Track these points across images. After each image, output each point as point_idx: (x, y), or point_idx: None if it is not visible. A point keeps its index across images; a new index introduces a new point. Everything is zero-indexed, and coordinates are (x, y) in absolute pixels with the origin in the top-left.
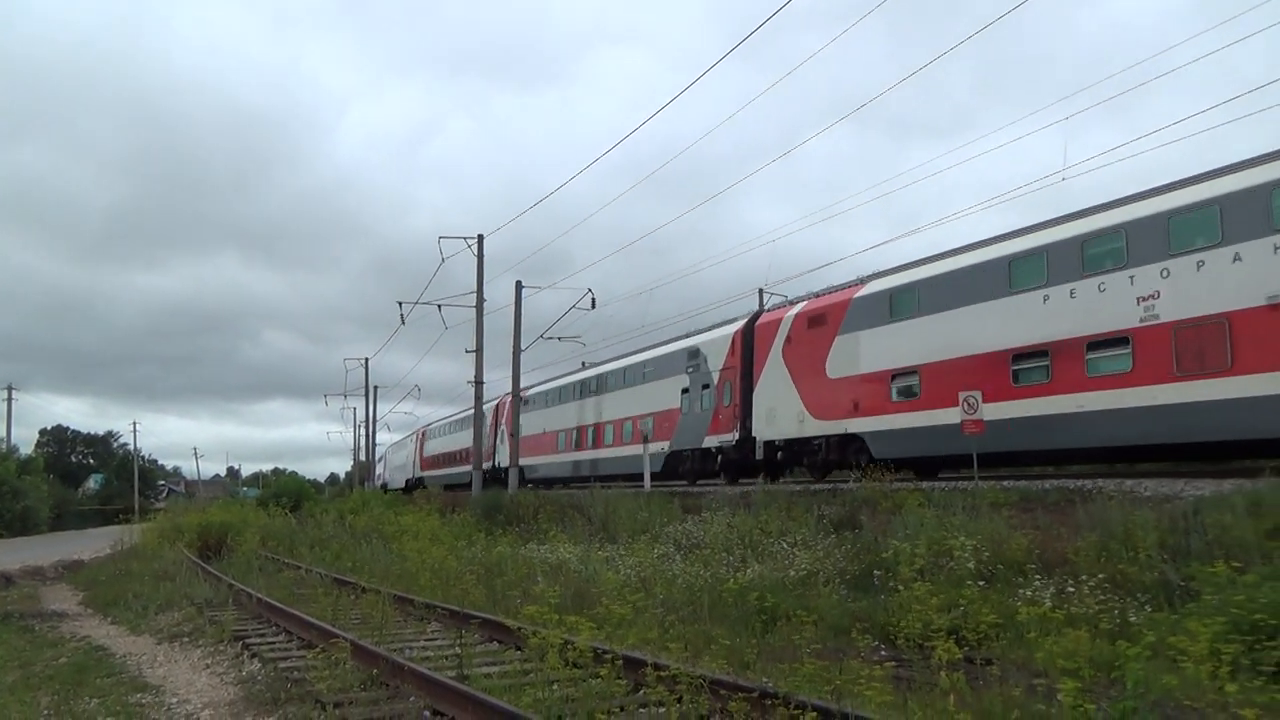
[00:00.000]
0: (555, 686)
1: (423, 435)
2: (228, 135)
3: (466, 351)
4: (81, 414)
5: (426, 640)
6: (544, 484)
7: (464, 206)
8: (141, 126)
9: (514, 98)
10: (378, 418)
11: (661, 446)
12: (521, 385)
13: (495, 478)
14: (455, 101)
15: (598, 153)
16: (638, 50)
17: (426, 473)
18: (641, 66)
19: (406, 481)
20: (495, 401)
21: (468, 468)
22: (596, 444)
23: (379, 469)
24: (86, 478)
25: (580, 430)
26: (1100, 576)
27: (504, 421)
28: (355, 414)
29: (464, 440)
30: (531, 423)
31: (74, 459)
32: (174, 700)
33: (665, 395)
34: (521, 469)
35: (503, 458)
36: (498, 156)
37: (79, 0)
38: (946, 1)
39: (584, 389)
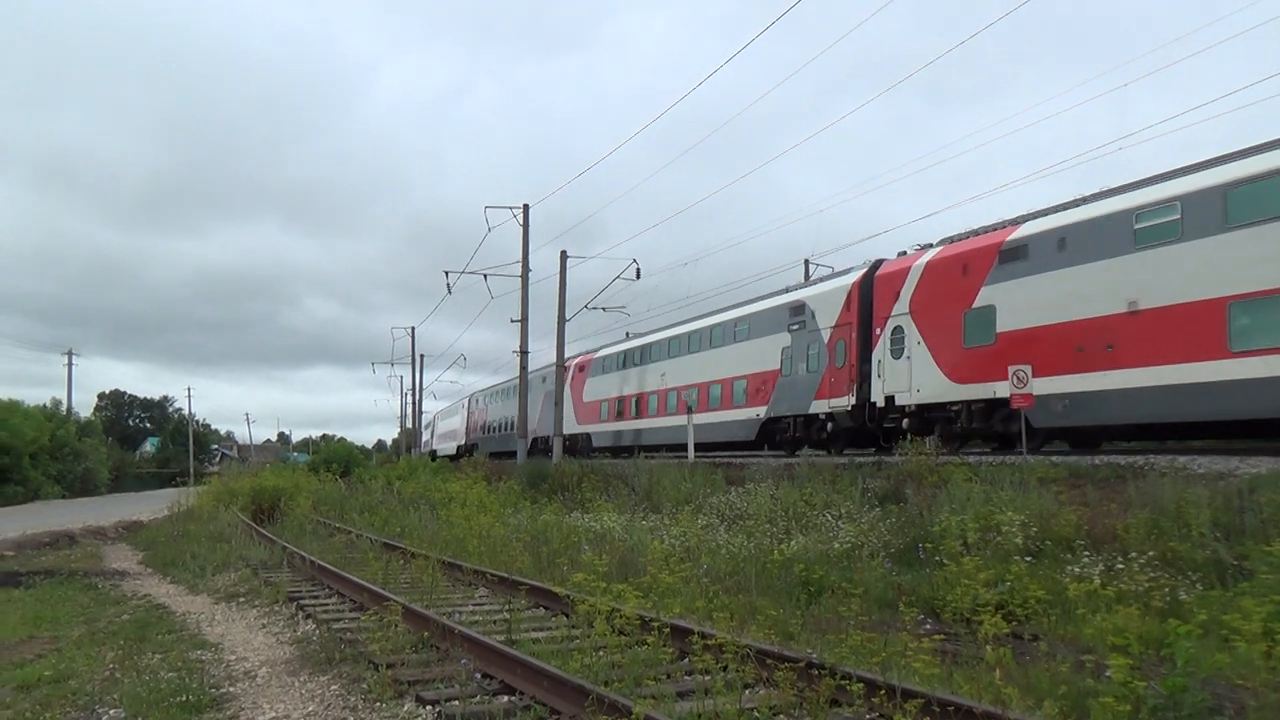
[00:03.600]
0: (602, 653)
1: (581, 368)
2: (258, 100)
3: (511, 321)
4: (134, 378)
5: (475, 605)
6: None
7: (495, 172)
8: (172, 93)
9: (538, 63)
10: (423, 386)
11: None
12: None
13: (863, 431)
14: (480, 68)
15: (624, 115)
16: (659, 12)
17: (593, 427)
18: (663, 28)
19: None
20: (855, 277)
21: (735, 414)
22: None
23: (447, 425)
24: (143, 441)
25: None
26: (1150, 554)
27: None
28: (401, 382)
29: (733, 363)
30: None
31: (131, 422)
32: (232, 658)
33: None
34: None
35: (893, 385)
36: (525, 121)
37: None
38: None
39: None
